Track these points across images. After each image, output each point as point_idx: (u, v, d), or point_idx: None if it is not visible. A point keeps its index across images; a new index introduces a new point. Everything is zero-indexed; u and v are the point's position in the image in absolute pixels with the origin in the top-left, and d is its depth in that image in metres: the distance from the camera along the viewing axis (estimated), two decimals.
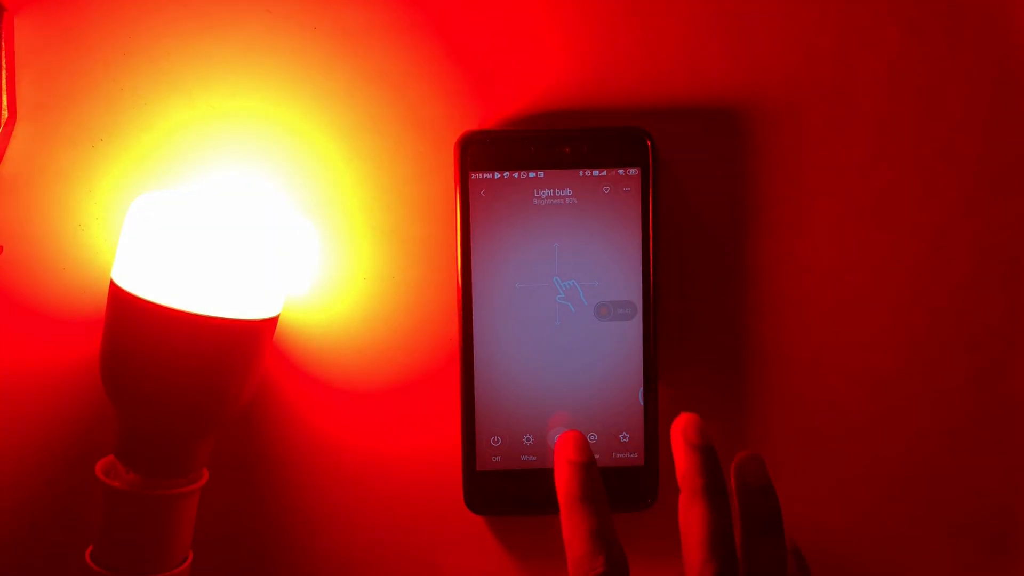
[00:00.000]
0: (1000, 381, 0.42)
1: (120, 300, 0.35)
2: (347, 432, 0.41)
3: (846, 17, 0.41)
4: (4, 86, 0.39)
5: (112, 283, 0.36)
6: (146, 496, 0.36)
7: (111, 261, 0.38)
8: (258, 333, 0.37)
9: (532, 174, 0.40)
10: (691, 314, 0.42)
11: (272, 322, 0.38)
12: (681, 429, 0.34)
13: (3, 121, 0.39)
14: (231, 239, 0.35)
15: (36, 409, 0.41)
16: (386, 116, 0.40)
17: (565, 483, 0.35)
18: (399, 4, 0.40)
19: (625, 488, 0.40)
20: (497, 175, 0.39)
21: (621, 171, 0.39)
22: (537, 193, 0.40)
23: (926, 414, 0.42)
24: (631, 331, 0.40)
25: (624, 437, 0.40)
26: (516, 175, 0.39)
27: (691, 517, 0.33)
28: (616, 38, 0.41)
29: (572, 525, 0.34)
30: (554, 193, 0.40)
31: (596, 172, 0.39)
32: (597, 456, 0.40)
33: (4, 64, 0.39)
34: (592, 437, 0.40)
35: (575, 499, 0.34)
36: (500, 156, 0.39)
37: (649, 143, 0.39)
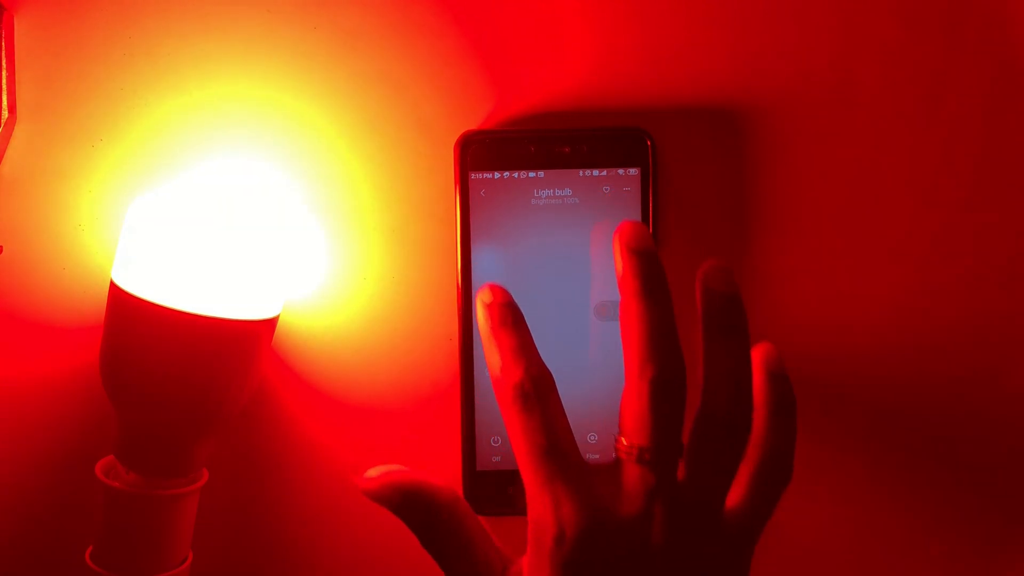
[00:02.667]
0: (1000, 381, 0.42)
1: (120, 300, 0.35)
2: (347, 432, 0.41)
3: (846, 17, 0.41)
4: (4, 86, 0.39)
5: (112, 283, 0.36)
6: (146, 496, 0.36)
7: (111, 261, 0.38)
8: (258, 333, 0.37)
9: (532, 174, 0.40)
10: (691, 314, 0.42)
11: (272, 322, 0.38)
12: (623, 236, 0.31)
13: (3, 121, 0.39)
14: (231, 239, 0.35)
15: (36, 409, 0.41)
16: (386, 116, 0.40)
17: (484, 318, 0.32)
18: (399, 4, 0.40)
19: None
20: (497, 175, 0.39)
21: (621, 171, 0.39)
22: (537, 193, 0.40)
23: (926, 413, 0.42)
24: None
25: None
26: (516, 175, 0.40)
27: (629, 320, 0.30)
28: (616, 38, 0.41)
29: (491, 348, 0.31)
30: (554, 193, 0.40)
31: (596, 172, 0.40)
32: (597, 456, 0.40)
33: (4, 64, 0.39)
34: (592, 437, 0.40)
35: (495, 327, 0.32)
36: (500, 156, 0.39)
37: (649, 143, 0.39)
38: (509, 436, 0.31)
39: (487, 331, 0.32)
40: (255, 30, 0.40)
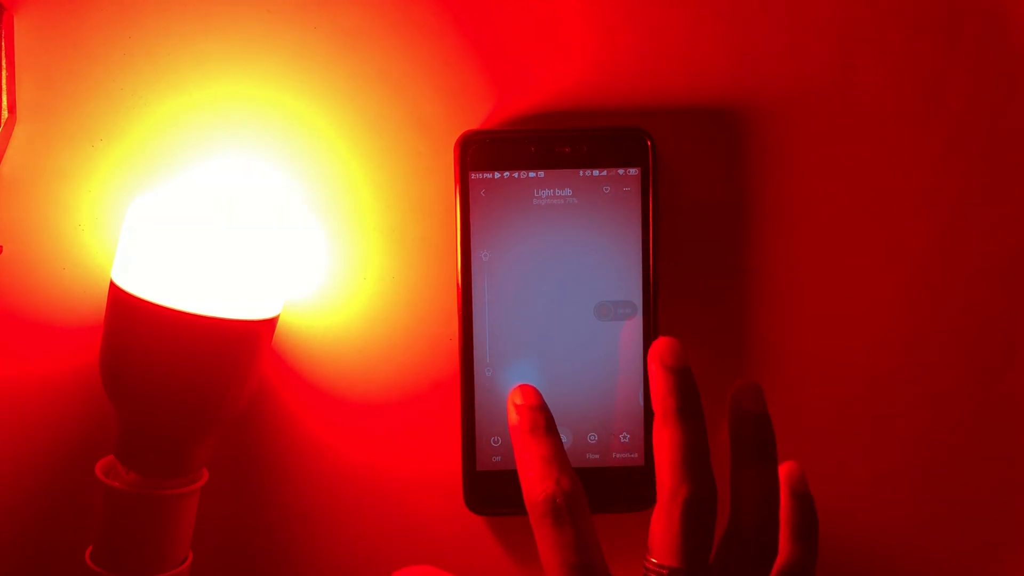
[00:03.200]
0: (1000, 381, 0.42)
1: (120, 300, 0.35)
2: (347, 432, 0.41)
3: (846, 17, 0.41)
4: (4, 86, 0.39)
5: (112, 283, 0.36)
6: (146, 496, 0.36)
7: (111, 261, 0.38)
8: (258, 333, 0.37)
9: (532, 174, 0.40)
10: (691, 314, 0.42)
11: (272, 322, 0.38)
12: (657, 353, 0.32)
13: (3, 121, 0.39)
14: (231, 239, 0.35)
15: (36, 409, 0.41)
16: (386, 116, 0.40)
17: (517, 421, 0.33)
18: (399, 4, 0.40)
19: (625, 488, 0.40)
20: (497, 175, 0.39)
21: (621, 171, 0.39)
22: (537, 193, 0.40)
23: (926, 414, 0.42)
24: (631, 331, 0.40)
25: (624, 437, 0.40)
26: (516, 175, 0.40)
27: (663, 439, 0.31)
28: (616, 38, 0.41)
29: (525, 455, 0.32)
30: (554, 193, 0.40)
31: (596, 172, 0.40)
32: (597, 456, 0.40)
33: (4, 64, 0.39)
34: (592, 437, 0.40)
35: (527, 432, 0.33)
36: (500, 156, 0.39)
37: (649, 143, 0.39)
38: (539, 549, 0.31)
39: (518, 436, 0.33)
40: (255, 30, 0.40)
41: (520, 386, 0.34)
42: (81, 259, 0.40)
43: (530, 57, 0.40)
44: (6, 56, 0.39)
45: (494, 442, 0.40)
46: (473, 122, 0.41)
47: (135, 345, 0.35)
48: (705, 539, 0.30)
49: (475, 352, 0.40)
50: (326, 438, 0.41)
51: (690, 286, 0.42)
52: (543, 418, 0.33)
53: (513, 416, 0.33)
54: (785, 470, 0.34)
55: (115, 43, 0.40)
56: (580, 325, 0.40)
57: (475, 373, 0.40)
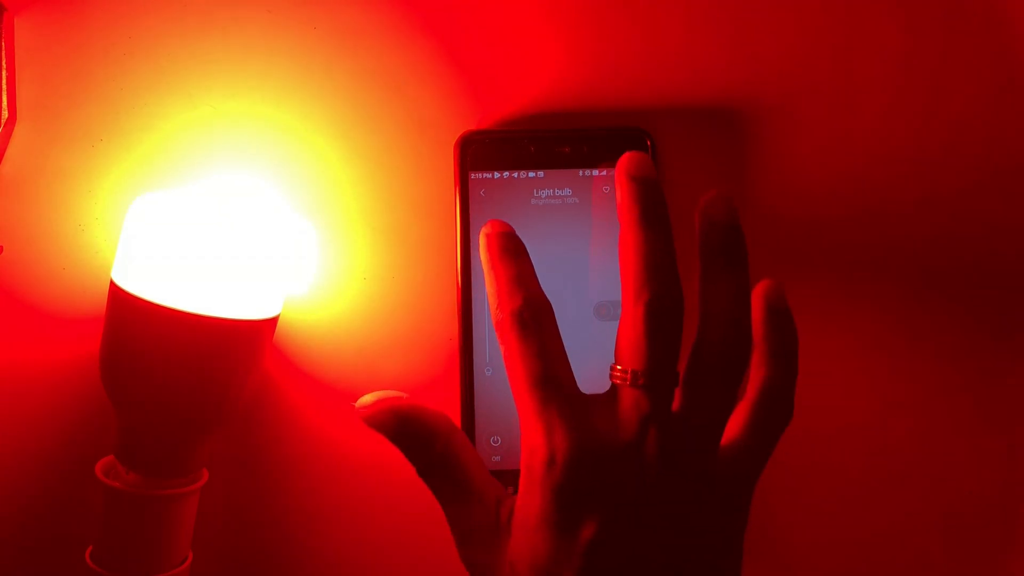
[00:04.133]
0: (1000, 381, 0.42)
1: (120, 300, 0.35)
2: (347, 432, 0.41)
3: (846, 17, 0.41)
4: (4, 86, 0.39)
5: (112, 283, 0.36)
6: (146, 496, 0.36)
7: (111, 261, 0.38)
8: (258, 333, 0.37)
9: (532, 174, 0.40)
10: (691, 314, 0.42)
11: (272, 322, 0.38)
12: (624, 165, 0.31)
13: (3, 121, 0.39)
14: (231, 239, 0.35)
15: (36, 409, 0.41)
16: (386, 116, 0.40)
17: (487, 248, 0.32)
18: (399, 4, 0.40)
19: None
20: (497, 175, 0.39)
21: None
22: (537, 193, 0.40)
23: (926, 414, 0.42)
24: None
25: None
26: (516, 175, 0.40)
27: (627, 246, 0.30)
28: (616, 38, 0.41)
29: (494, 276, 0.31)
30: (554, 193, 0.40)
31: (596, 172, 0.40)
32: None
33: (4, 64, 0.39)
34: None
35: (498, 256, 0.32)
36: (500, 156, 0.39)
37: (649, 143, 0.39)
38: (505, 363, 0.30)
39: (487, 260, 0.32)
40: (255, 30, 0.40)
41: (490, 221, 0.33)
42: (81, 259, 0.40)
43: (530, 57, 0.40)
44: (6, 56, 0.39)
45: (494, 442, 0.40)
46: (473, 122, 0.41)
47: (135, 345, 0.35)
48: (671, 344, 0.29)
49: (475, 352, 0.40)
50: (326, 438, 0.41)
51: (690, 286, 0.42)
52: (512, 243, 0.32)
53: (483, 244, 0.32)
54: (762, 285, 0.33)
55: (115, 43, 0.40)
56: (580, 325, 0.40)
57: (475, 373, 0.40)
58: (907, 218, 0.42)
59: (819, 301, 0.42)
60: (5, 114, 0.39)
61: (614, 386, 0.30)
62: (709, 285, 0.31)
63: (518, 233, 0.39)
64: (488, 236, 0.32)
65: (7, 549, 0.41)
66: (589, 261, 0.40)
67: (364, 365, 0.41)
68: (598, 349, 0.40)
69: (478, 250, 0.33)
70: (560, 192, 0.40)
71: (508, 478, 0.40)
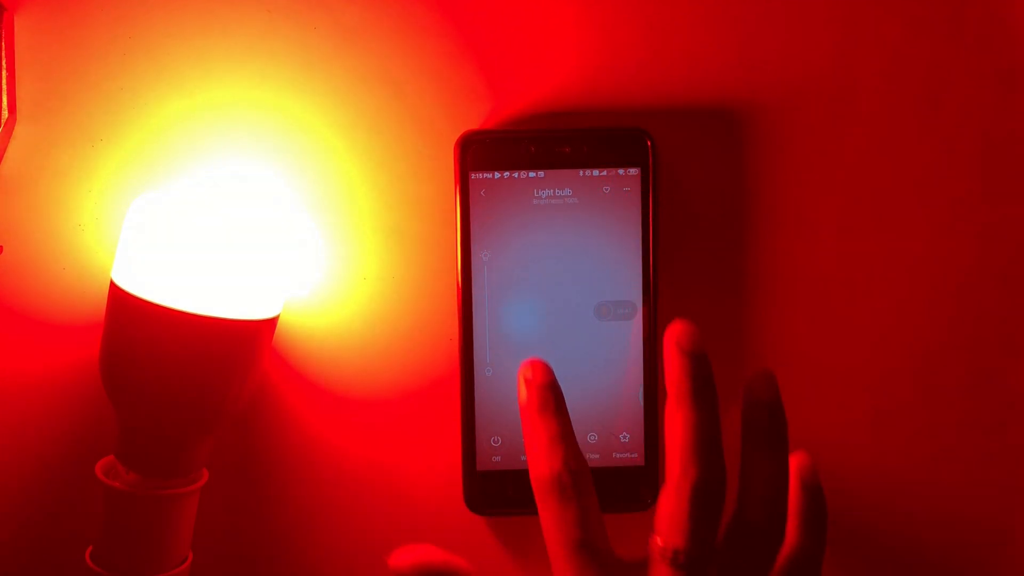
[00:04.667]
0: (1000, 381, 0.42)
1: (120, 300, 0.35)
2: (347, 432, 0.41)
3: (846, 17, 0.41)
4: (4, 86, 0.39)
5: (112, 283, 0.36)
6: (146, 496, 0.36)
7: (111, 261, 0.38)
8: (258, 333, 0.37)
9: (532, 174, 0.40)
10: (691, 314, 0.42)
11: (272, 322, 0.38)
12: (674, 336, 0.32)
13: (3, 121, 0.39)
14: (231, 239, 0.35)
15: (36, 409, 0.41)
16: (386, 116, 0.40)
17: (527, 399, 0.33)
18: (399, 4, 0.40)
19: (625, 488, 0.40)
20: (497, 175, 0.39)
21: (621, 171, 0.39)
22: (537, 193, 0.40)
23: (926, 414, 0.42)
24: (631, 331, 0.40)
25: (624, 437, 0.40)
26: (516, 175, 0.40)
27: (676, 421, 0.31)
28: (616, 38, 0.41)
29: (533, 433, 0.32)
30: (554, 193, 0.40)
31: (596, 172, 0.40)
32: (597, 456, 0.40)
33: (4, 64, 0.39)
34: (592, 437, 0.40)
35: (537, 411, 0.32)
36: (500, 156, 0.39)
37: (649, 143, 0.39)
38: (543, 524, 0.31)
39: (527, 412, 0.33)
40: (255, 30, 0.40)
41: (531, 361, 0.33)
42: (81, 259, 0.40)
43: (530, 57, 0.40)
44: (6, 56, 0.39)
45: (494, 442, 0.40)
46: (473, 122, 0.41)
47: (135, 345, 0.35)
48: (712, 522, 0.30)
49: (475, 352, 0.40)
50: (326, 438, 0.41)
51: (690, 286, 0.42)
52: (552, 397, 0.33)
53: (523, 392, 0.33)
54: (796, 461, 0.34)
55: (115, 43, 0.40)
56: (580, 325, 0.40)
57: (475, 373, 0.40)
58: (907, 218, 0.42)
59: (819, 301, 0.42)
60: (5, 114, 0.39)
61: (652, 557, 0.30)
62: (751, 464, 0.31)
63: (518, 233, 0.39)
64: (529, 385, 0.33)
65: (7, 549, 0.41)
66: (589, 261, 0.40)
67: (364, 365, 0.41)
68: (598, 349, 0.40)
69: (516, 389, 0.34)
70: (560, 192, 0.39)
71: (508, 478, 0.40)
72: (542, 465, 0.31)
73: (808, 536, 0.33)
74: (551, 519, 0.31)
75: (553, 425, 0.32)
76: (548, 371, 0.33)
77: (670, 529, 0.30)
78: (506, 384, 0.40)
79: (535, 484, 0.31)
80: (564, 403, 0.33)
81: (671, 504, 0.30)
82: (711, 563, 0.30)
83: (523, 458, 0.40)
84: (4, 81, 0.39)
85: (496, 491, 0.40)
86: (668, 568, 0.30)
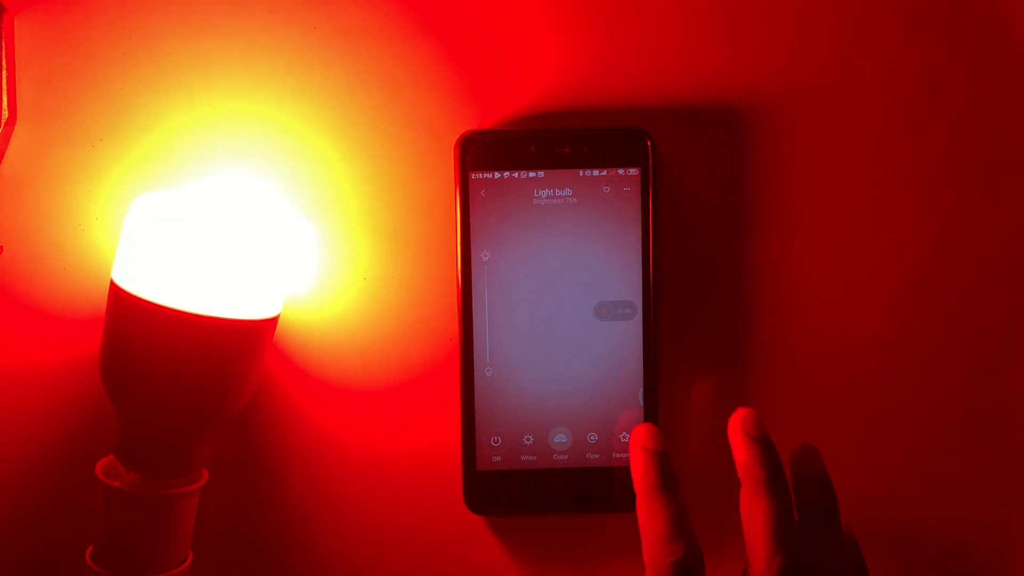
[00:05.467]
0: (1000, 381, 0.42)
1: (120, 300, 0.35)
2: (347, 432, 0.41)
3: (846, 17, 0.41)
4: (4, 86, 0.39)
5: (112, 283, 0.36)
6: (146, 496, 0.36)
7: (111, 261, 0.38)
8: (258, 333, 0.37)
9: (532, 174, 0.40)
10: (691, 314, 0.42)
11: (272, 322, 0.38)
12: (740, 422, 0.35)
13: (3, 121, 0.39)
14: (231, 239, 0.35)
15: (36, 409, 0.41)
16: (386, 116, 0.40)
17: (644, 471, 0.35)
18: (399, 4, 0.40)
19: (625, 488, 0.40)
20: (497, 175, 0.39)
21: (621, 171, 0.39)
22: (537, 193, 0.40)
23: (925, 414, 0.42)
24: (631, 331, 0.40)
25: (624, 437, 0.40)
26: (516, 175, 0.40)
27: (755, 510, 0.33)
28: (616, 38, 0.41)
29: (650, 511, 0.34)
30: (554, 193, 0.40)
31: (596, 172, 0.40)
32: (597, 456, 0.40)
33: (4, 64, 0.39)
34: (592, 437, 0.40)
35: (652, 486, 0.34)
36: (500, 156, 0.39)
37: (649, 143, 0.39)
38: None
39: (647, 487, 0.34)
40: (255, 30, 0.40)
41: (644, 426, 0.36)
42: (81, 259, 0.40)
43: (530, 57, 0.40)
44: (6, 56, 0.39)
45: (494, 442, 0.40)
46: (473, 122, 0.41)
47: (135, 345, 0.35)
48: None
49: (475, 352, 0.40)
50: (326, 439, 0.41)
51: (690, 286, 0.42)
52: (670, 471, 0.35)
53: (642, 463, 0.35)
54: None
55: (115, 43, 0.40)
56: (580, 325, 0.40)
57: (475, 373, 0.40)
58: (907, 218, 0.42)
59: (818, 300, 0.42)
60: (5, 114, 0.39)
61: None
62: (814, 540, 0.34)
63: (518, 233, 0.39)
64: (649, 454, 0.35)
65: (7, 549, 0.41)
66: (589, 261, 0.40)
67: (364, 365, 0.41)
68: (598, 349, 0.40)
69: (630, 462, 0.36)
70: (560, 192, 0.39)
71: (508, 478, 0.40)
72: (662, 550, 0.33)
73: None
74: None
75: (673, 503, 0.34)
76: (661, 438, 0.36)
77: None
78: (506, 384, 0.40)
79: (651, 567, 0.33)
80: (678, 478, 0.35)
81: None
82: None
83: (523, 458, 0.40)
84: (4, 81, 0.39)
85: (496, 491, 0.40)
86: None
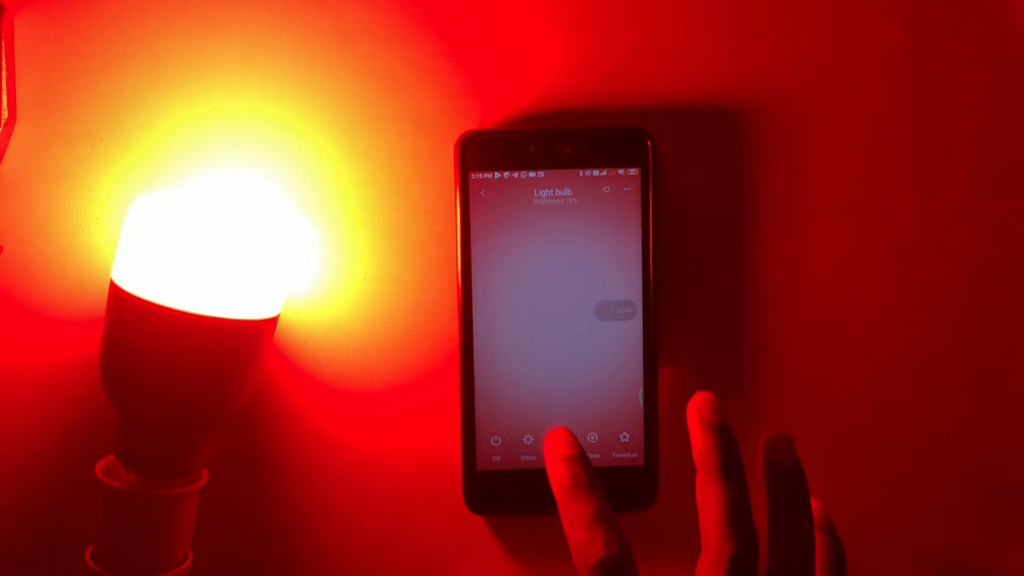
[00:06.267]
0: (1000, 381, 0.42)
1: (120, 300, 0.35)
2: (347, 432, 0.41)
3: (846, 17, 0.41)
4: (4, 86, 0.39)
5: (112, 283, 0.36)
6: (146, 496, 0.36)
7: (111, 261, 0.38)
8: (258, 333, 0.37)
9: (532, 174, 0.40)
10: (691, 314, 0.42)
11: (272, 322, 0.38)
12: (696, 407, 0.34)
13: (3, 121, 0.39)
14: (231, 239, 0.35)
15: (36, 409, 0.41)
16: (386, 116, 0.40)
17: (559, 476, 0.35)
18: (399, 4, 0.40)
19: (625, 488, 0.40)
20: (497, 175, 0.39)
21: (621, 171, 0.39)
22: (537, 193, 0.40)
23: (926, 414, 0.42)
24: (631, 331, 0.40)
25: (624, 437, 0.40)
26: (516, 175, 0.40)
27: (708, 497, 0.33)
28: (616, 38, 0.41)
29: (569, 514, 0.34)
30: (554, 193, 0.40)
31: (596, 172, 0.40)
32: (597, 456, 0.40)
33: (4, 64, 0.39)
34: (592, 437, 0.40)
35: (569, 489, 0.34)
36: (500, 156, 0.39)
37: (649, 143, 0.39)
38: None
39: (563, 491, 0.34)
40: (255, 29, 0.40)
41: (556, 432, 0.36)
42: (81, 259, 0.40)
43: (530, 57, 0.40)
44: (6, 56, 0.39)
45: (494, 442, 0.40)
46: (473, 122, 0.41)
47: (135, 345, 0.35)
48: None
49: (475, 352, 0.40)
50: (326, 439, 0.41)
51: (690, 286, 0.42)
52: (584, 471, 0.35)
53: (555, 470, 0.35)
54: (814, 507, 0.36)
55: (115, 43, 0.40)
56: (580, 325, 0.40)
57: (475, 373, 0.40)
58: (907, 218, 0.42)
59: (818, 300, 0.42)
60: (5, 114, 0.39)
61: None
62: (778, 526, 0.33)
63: (518, 233, 0.39)
64: (566, 460, 0.35)
65: (7, 549, 0.41)
66: (589, 261, 0.40)
67: (364, 365, 0.41)
68: (598, 349, 0.40)
69: (544, 460, 0.36)
70: (560, 192, 0.40)
71: (508, 478, 0.40)
72: (586, 549, 0.33)
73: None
74: None
75: (591, 503, 0.34)
76: (575, 441, 0.35)
77: None
78: (506, 384, 0.40)
79: (580, 568, 0.33)
80: (596, 476, 0.34)
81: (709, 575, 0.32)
82: None
83: (523, 458, 0.40)
84: (4, 81, 0.39)
85: (496, 491, 0.40)
86: None
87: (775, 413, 0.42)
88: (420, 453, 0.41)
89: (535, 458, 0.40)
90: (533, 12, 0.40)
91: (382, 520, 0.42)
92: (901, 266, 0.42)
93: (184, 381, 0.35)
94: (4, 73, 0.39)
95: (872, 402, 0.42)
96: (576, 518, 0.33)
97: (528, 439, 0.40)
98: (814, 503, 0.36)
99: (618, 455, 0.40)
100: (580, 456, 0.35)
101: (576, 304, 0.40)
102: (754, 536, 0.32)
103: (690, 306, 0.42)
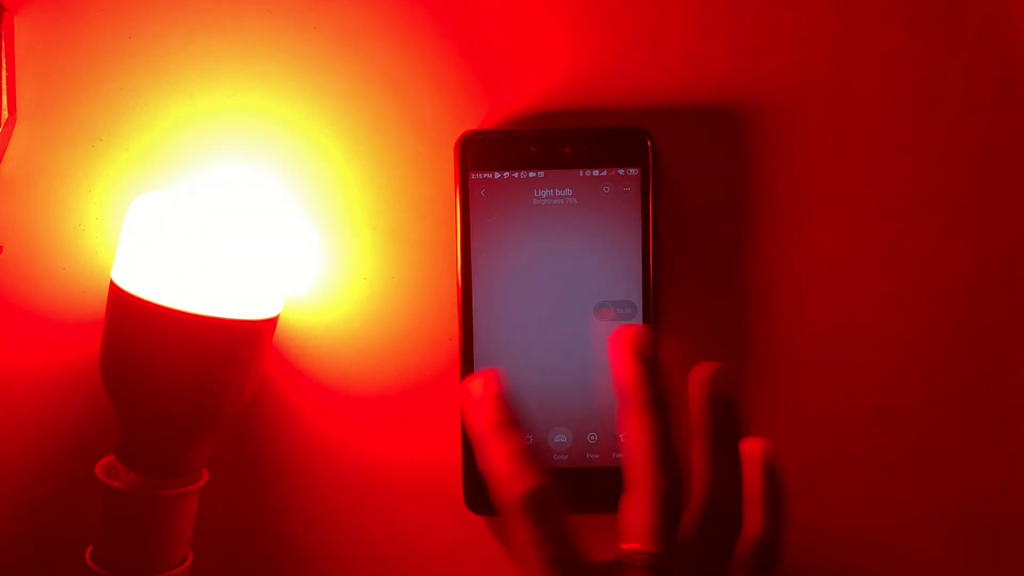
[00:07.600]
0: (1000, 381, 0.42)
1: (120, 300, 0.35)
2: (347, 432, 0.41)
3: (846, 17, 0.41)
4: (4, 86, 0.39)
5: (112, 283, 0.36)
6: (146, 496, 0.36)
7: (111, 261, 0.38)
8: (258, 333, 0.37)
9: (532, 174, 0.40)
10: (691, 314, 0.42)
11: (272, 322, 0.38)
12: (620, 341, 0.32)
13: (3, 121, 0.39)
14: (231, 239, 0.35)
15: (36, 409, 0.41)
16: (386, 116, 0.40)
17: (482, 415, 0.32)
18: (399, 4, 0.40)
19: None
20: (497, 175, 0.39)
21: (621, 171, 0.39)
22: (537, 193, 0.40)
23: (926, 414, 0.42)
24: None
25: (624, 437, 0.40)
26: (516, 175, 0.40)
27: (632, 430, 0.31)
28: (616, 38, 0.41)
29: (488, 455, 0.32)
30: (554, 193, 0.40)
31: (596, 172, 0.40)
32: (597, 456, 0.40)
33: (4, 64, 0.39)
34: (592, 437, 0.40)
35: (488, 430, 0.32)
36: (500, 156, 0.39)
37: (649, 143, 0.39)
38: (515, 545, 0.31)
39: (480, 431, 0.32)
40: (255, 30, 0.40)
41: (480, 373, 0.33)
42: (81, 259, 0.40)
43: (530, 57, 0.40)
44: (6, 56, 0.39)
45: None
46: (473, 122, 0.41)
47: (135, 345, 0.35)
48: (674, 523, 0.31)
49: (475, 352, 0.40)
50: (326, 439, 0.41)
51: (690, 286, 0.42)
52: (503, 412, 0.32)
53: (472, 411, 0.33)
54: (754, 446, 0.34)
55: (115, 43, 0.40)
56: (580, 325, 0.40)
57: (475, 373, 0.40)
58: (907, 217, 0.42)
59: (818, 300, 0.42)
60: (5, 114, 0.39)
61: (621, 562, 0.31)
62: (708, 461, 0.32)
63: (518, 233, 0.39)
64: (483, 400, 0.32)
65: (7, 549, 0.41)
66: (589, 261, 0.40)
67: (364, 365, 0.41)
68: (598, 349, 0.40)
69: (464, 405, 0.34)
70: (560, 192, 0.40)
71: None
72: (507, 487, 0.31)
73: (768, 519, 0.33)
74: (524, 538, 0.31)
75: (512, 440, 0.32)
76: (496, 381, 0.33)
77: (636, 535, 0.31)
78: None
79: (502, 507, 0.31)
80: (516, 415, 0.32)
81: (637, 512, 0.31)
82: (678, 561, 0.31)
83: None
84: (4, 81, 0.39)
85: None
86: (637, 572, 0.31)
87: (774, 413, 0.42)
88: (420, 453, 0.41)
89: None
90: (533, 12, 0.40)
91: (382, 520, 0.42)
92: (901, 266, 0.42)
93: (184, 381, 0.35)
94: (4, 73, 0.39)
95: (872, 402, 0.42)
96: (496, 457, 0.31)
97: (528, 439, 0.40)
98: (760, 442, 0.34)
99: (618, 455, 0.40)
100: (502, 395, 0.33)
101: (576, 304, 0.40)
102: (679, 469, 0.31)
103: (690, 306, 0.42)
